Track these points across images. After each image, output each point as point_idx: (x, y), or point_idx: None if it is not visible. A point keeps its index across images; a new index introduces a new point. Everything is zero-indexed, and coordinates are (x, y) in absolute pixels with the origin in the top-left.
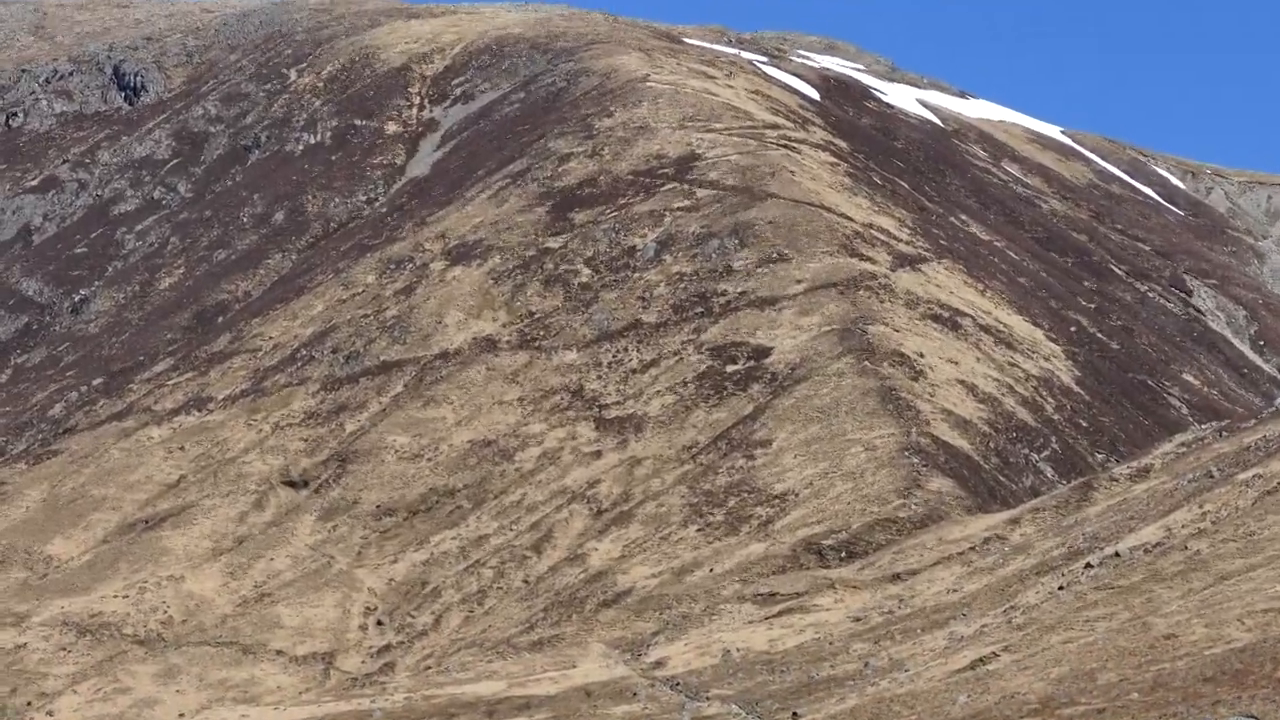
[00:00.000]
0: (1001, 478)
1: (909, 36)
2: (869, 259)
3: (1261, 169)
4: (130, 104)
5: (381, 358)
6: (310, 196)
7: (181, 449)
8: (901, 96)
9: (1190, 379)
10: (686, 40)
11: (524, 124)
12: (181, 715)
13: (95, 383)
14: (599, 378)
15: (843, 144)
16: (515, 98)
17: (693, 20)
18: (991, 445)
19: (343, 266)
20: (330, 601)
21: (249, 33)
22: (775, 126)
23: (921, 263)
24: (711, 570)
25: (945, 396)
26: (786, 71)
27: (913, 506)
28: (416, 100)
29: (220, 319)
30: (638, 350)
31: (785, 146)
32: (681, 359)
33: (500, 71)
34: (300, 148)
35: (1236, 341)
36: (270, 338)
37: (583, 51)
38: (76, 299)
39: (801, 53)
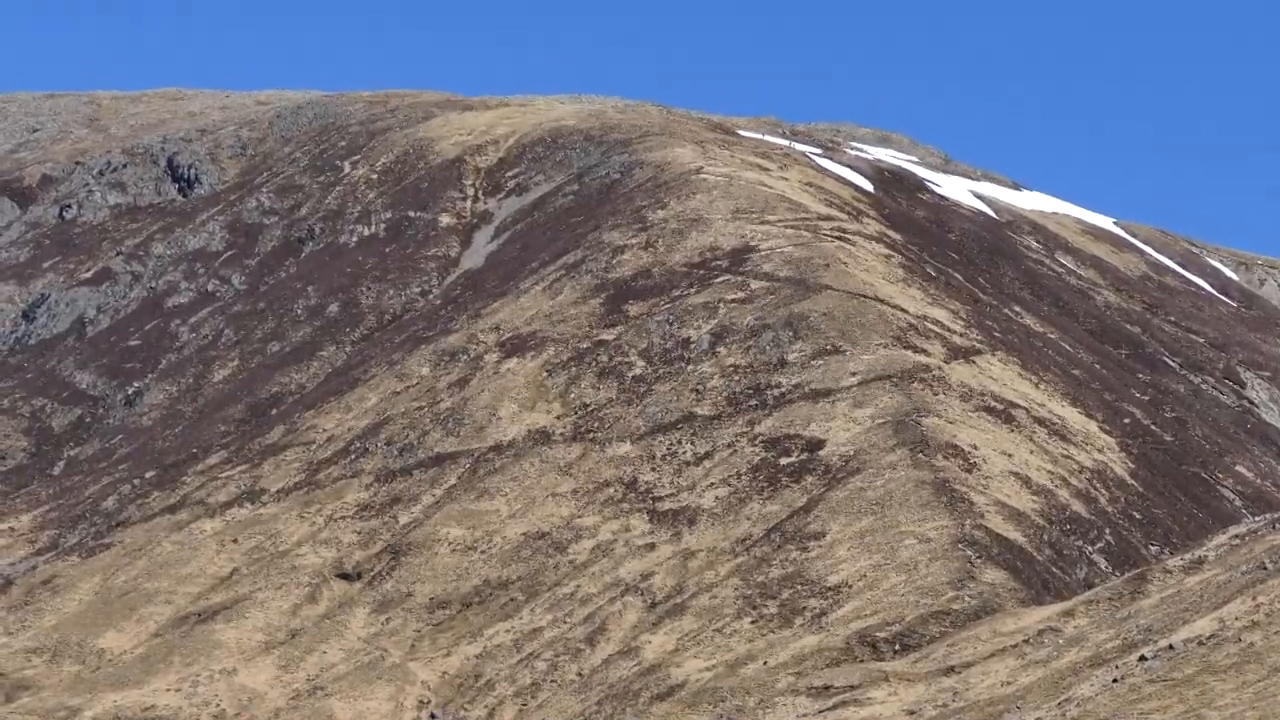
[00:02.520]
0: (1055, 570)
1: (963, 128)
2: (923, 351)
3: None
4: (184, 196)
5: (435, 450)
6: (364, 288)
7: (234, 541)
8: (955, 188)
9: (1244, 471)
10: (740, 132)
11: (578, 216)
12: None
13: (148, 475)
14: (653, 470)
15: (897, 236)
16: (569, 190)
17: (746, 112)
18: (1045, 537)
19: (397, 359)
20: (383, 694)
21: (303, 125)
22: (829, 218)
23: (976, 355)
24: (765, 663)
25: (999, 489)
26: (840, 163)
27: (966, 599)
28: (470, 192)
29: (274, 411)
30: (691, 443)
31: (839, 238)
32: (735, 451)
33: (554, 164)
34: (354, 240)
35: None
36: (324, 430)
37: (636, 143)
38: (130, 391)
39: (855, 145)
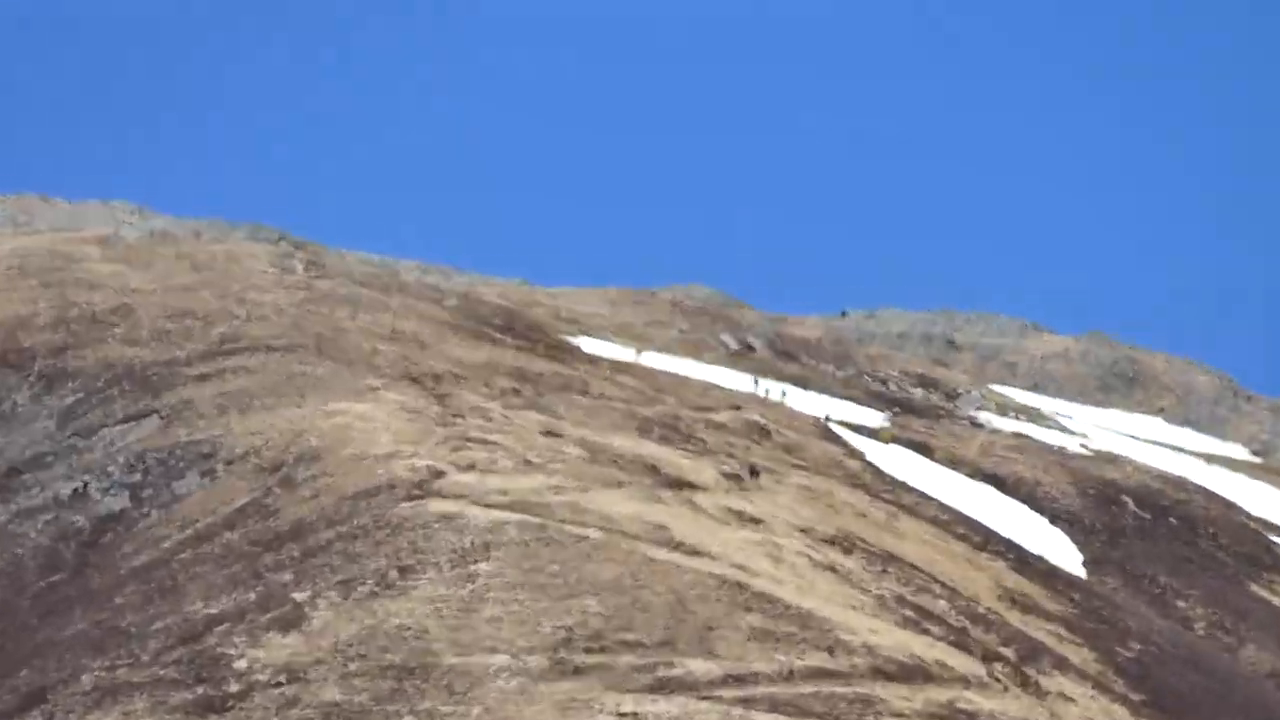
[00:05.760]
0: None
1: None
2: None
3: None
4: None
5: None
6: None
7: None
8: None
9: None
10: (578, 343)
11: None
12: None
13: None
14: None
15: None
16: None
17: (593, 277)
18: None
19: None
20: None
21: None
22: (961, 681)
23: None
24: None
25: None
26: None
27: None
28: None
29: None
30: None
31: None
32: None
33: None
34: None
35: None
36: None
37: (188, 387)
38: None
39: (1038, 414)
